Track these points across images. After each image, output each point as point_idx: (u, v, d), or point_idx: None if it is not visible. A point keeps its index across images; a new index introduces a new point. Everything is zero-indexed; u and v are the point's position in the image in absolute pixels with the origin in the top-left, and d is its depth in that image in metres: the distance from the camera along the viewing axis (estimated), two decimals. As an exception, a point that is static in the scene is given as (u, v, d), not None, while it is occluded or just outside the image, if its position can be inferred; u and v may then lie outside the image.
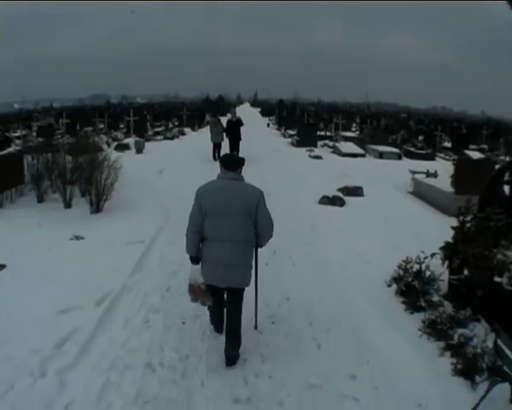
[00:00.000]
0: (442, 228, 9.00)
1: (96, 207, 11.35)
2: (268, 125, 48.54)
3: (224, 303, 5.40)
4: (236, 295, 5.16)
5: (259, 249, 5.56)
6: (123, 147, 23.54)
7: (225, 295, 5.35)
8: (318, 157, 21.56)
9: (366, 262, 8.06)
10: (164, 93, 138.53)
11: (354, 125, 44.84)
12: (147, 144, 24.51)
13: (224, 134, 19.76)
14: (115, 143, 24.88)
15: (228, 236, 4.94)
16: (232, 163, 5.23)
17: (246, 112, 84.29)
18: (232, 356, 5.18)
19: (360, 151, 24.69)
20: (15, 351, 5.15)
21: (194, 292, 5.21)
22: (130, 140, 24.16)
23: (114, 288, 6.88)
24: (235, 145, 18.89)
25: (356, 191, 13.27)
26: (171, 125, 38.46)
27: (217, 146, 19.83)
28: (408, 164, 21.50)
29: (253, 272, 5.46)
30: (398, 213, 11.27)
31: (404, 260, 7.01)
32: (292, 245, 9.04)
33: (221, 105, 71.90)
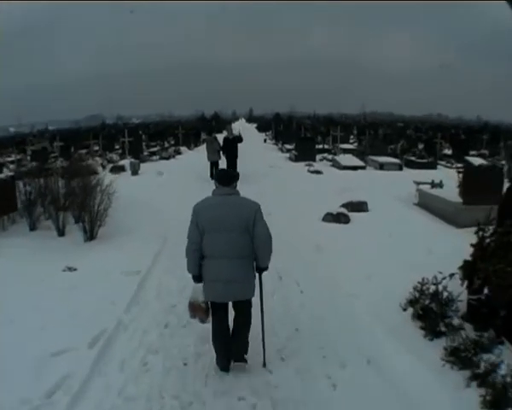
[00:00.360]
0: (453, 241, 8.79)
1: (90, 235, 10.86)
2: (265, 140, 48.21)
3: (227, 320, 5.31)
4: (242, 307, 5.17)
5: (264, 274, 5.39)
6: (118, 169, 23.07)
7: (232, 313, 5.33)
8: (318, 172, 21.10)
9: (378, 285, 7.52)
10: (159, 112, 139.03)
11: (352, 136, 44.47)
12: (142, 165, 24.01)
13: (221, 152, 19.30)
14: (110, 166, 24.44)
15: (224, 252, 4.92)
16: (226, 178, 5.20)
17: (242, 128, 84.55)
18: (239, 353, 5.30)
19: (360, 163, 24.24)
20: (4, 400, 4.75)
21: (194, 310, 5.23)
22: (126, 162, 23.70)
23: (109, 325, 6.40)
24: (232, 163, 18.38)
25: (360, 206, 12.79)
26: (166, 145, 38.06)
27: (214, 164, 19.34)
28: (410, 174, 21.05)
29: (258, 300, 5.36)
30: (406, 228, 10.77)
31: (419, 282, 6.53)
32: (298, 269, 8.60)
33: (216, 122, 71.63)
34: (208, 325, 5.36)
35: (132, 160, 23.86)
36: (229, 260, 4.92)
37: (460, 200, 11.89)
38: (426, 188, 14.41)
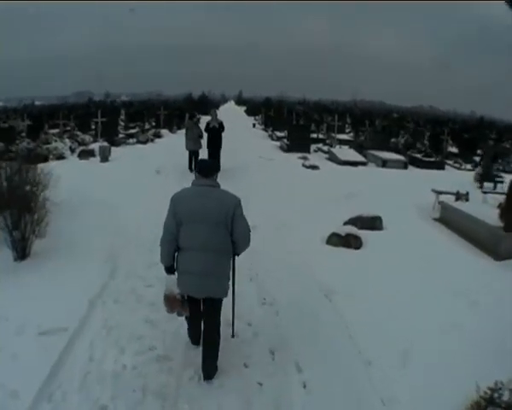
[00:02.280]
0: (500, 284, 7.14)
1: (22, 252, 8.04)
2: (254, 125, 45.38)
3: (201, 314, 5.17)
4: (213, 305, 5.01)
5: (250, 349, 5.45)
6: (87, 153, 20.32)
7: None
8: (314, 167, 18.37)
9: (419, 376, 4.92)
10: (149, 91, 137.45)
11: (346, 126, 41.74)
12: (116, 150, 21.33)
13: (202, 140, 16.68)
14: (80, 149, 21.64)
15: (202, 245, 4.78)
16: (207, 169, 5.04)
17: (231, 111, 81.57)
18: (210, 368, 5.04)
19: (360, 159, 21.69)
20: None
21: (170, 303, 5.01)
22: (97, 145, 20.77)
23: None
24: (214, 154, 15.69)
25: (373, 223, 10.13)
26: (147, 126, 35.22)
27: (193, 154, 16.58)
28: (417, 175, 18.74)
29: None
30: (434, 259, 8.09)
31: (489, 388, 4.19)
32: (300, 340, 5.82)
33: (204, 104, 68.54)
34: None
35: (102, 143, 21.00)
36: (206, 254, 4.78)
37: (499, 223, 9.28)
38: (450, 201, 11.77)
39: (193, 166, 16.24)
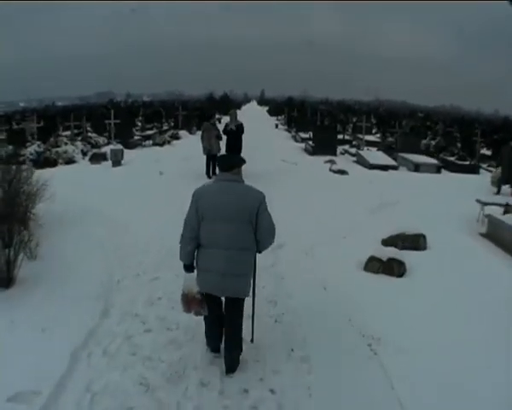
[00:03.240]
0: None
1: (7, 279, 6.75)
2: (276, 125, 43.93)
3: (221, 314, 4.97)
4: (235, 305, 4.84)
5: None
6: (99, 157, 19.16)
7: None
8: (343, 172, 16.86)
9: None
10: (170, 91, 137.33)
11: (372, 127, 40.01)
12: (130, 153, 20.11)
13: (220, 142, 15.35)
14: (92, 152, 20.43)
15: (225, 242, 4.59)
16: (229, 163, 4.85)
17: (253, 111, 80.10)
18: (232, 360, 4.87)
19: (391, 162, 20.11)
20: None
21: (188, 302, 4.83)
22: (110, 148, 19.51)
23: None
24: (234, 157, 14.15)
25: (416, 242, 8.61)
26: (166, 127, 33.99)
27: (211, 159, 15.12)
28: (453, 180, 17.28)
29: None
30: (498, 294, 6.60)
31: None
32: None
33: (225, 104, 67.23)
34: None
35: (115, 146, 19.74)
36: (227, 252, 4.58)
37: None
38: (498, 215, 10.18)
39: (211, 172, 14.95)
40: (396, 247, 8.25)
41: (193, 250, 4.76)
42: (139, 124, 33.89)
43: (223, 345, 4.98)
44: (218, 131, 15.46)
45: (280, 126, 43.80)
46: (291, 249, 8.47)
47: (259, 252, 4.94)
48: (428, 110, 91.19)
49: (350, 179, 15.83)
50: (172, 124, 34.64)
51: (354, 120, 47.94)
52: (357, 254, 7.96)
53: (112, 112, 23.51)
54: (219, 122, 35.54)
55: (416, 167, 19.78)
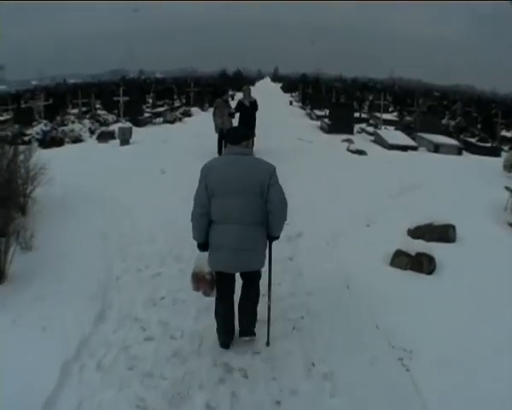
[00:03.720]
0: None
1: (-2, 271, 6.11)
2: (291, 102, 42.89)
3: (232, 293, 4.89)
4: (251, 277, 4.83)
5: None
6: (107, 136, 18.47)
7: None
8: (361, 152, 16.01)
9: None
10: (183, 68, 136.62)
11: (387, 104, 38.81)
12: (140, 131, 19.47)
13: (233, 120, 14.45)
14: (100, 131, 19.74)
15: (235, 217, 4.49)
16: (238, 135, 4.75)
17: (267, 87, 78.94)
18: (247, 323, 4.92)
19: (410, 143, 19.20)
20: None
21: (198, 281, 4.77)
22: (118, 126, 18.81)
23: None
24: (248, 135, 13.33)
25: (445, 233, 7.79)
26: (178, 104, 33.20)
27: (224, 137, 14.36)
28: (474, 162, 16.21)
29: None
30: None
31: None
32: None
33: (238, 80, 66.18)
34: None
35: (123, 124, 19.04)
36: (239, 226, 4.48)
37: None
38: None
39: (223, 151, 14.23)
40: (423, 239, 7.56)
41: (205, 227, 4.63)
42: (150, 101, 32.99)
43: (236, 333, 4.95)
44: (231, 108, 14.65)
45: (294, 103, 42.78)
46: (309, 239, 7.79)
47: (274, 236, 4.75)
48: (444, 89, 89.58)
49: (369, 160, 15.00)
50: (184, 101, 33.82)
51: (370, 97, 46.98)
52: (381, 245, 7.22)
53: (121, 89, 22.68)
54: (232, 99, 34.71)
55: (436, 148, 18.88)
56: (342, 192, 10.40)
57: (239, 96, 19.86)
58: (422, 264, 6.72)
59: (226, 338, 4.87)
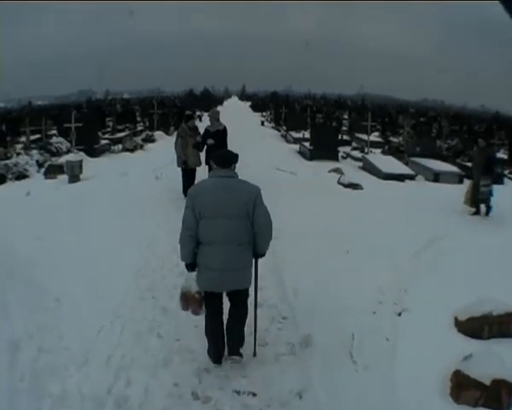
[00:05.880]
0: None
1: None
2: (262, 123, 40.38)
3: (221, 311, 4.94)
4: (239, 297, 4.85)
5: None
6: (56, 170, 15.65)
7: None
8: (355, 186, 13.53)
9: None
10: (150, 88, 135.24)
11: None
12: (95, 162, 16.83)
13: (203, 148, 11.42)
14: (48, 164, 16.85)
15: (224, 238, 4.58)
16: (226, 159, 4.86)
17: (235, 107, 76.55)
18: (235, 346, 4.94)
19: (408, 171, 16.92)
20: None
21: (187, 301, 4.90)
22: (66, 159, 15.89)
23: None
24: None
25: (507, 325, 5.34)
26: (141, 127, 30.44)
27: (191, 174, 11.51)
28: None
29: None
30: None
31: None
32: None
33: (206, 99, 63.80)
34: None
35: (73, 155, 16.25)
36: (226, 247, 4.59)
37: None
38: None
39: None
40: (480, 336, 5.28)
41: (193, 249, 4.70)
42: (111, 125, 29.96)
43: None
44: (199, 134, 11.62)
45: (266, 124, 40.41)
46: (321, 348, 5.18)
47: (260, 254, 4.88)
48: (414, 105, 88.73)
49: (367, 197, 12.42)
50: (148, 124, 30.96)
51: (345, 116, 44.84)
52: (427, 354, 4.92)
53: (73, 113, 19.59)
54: (200, 120, 32.06)
55: (436, 177, 16.55)
56: (354, 257, 7.78)
57: (207, 117, 16.96)
58: (501, 398, 4.20)
59: (217, 357, 4.93)
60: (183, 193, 11.17)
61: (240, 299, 4.87)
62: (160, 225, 9.39)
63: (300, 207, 10.66)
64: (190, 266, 4.77)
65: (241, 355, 4.95)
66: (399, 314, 6.05)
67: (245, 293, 4.90)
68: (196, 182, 10.12)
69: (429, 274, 7.05)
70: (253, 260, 4.88)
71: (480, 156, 11.58)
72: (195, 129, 11.79)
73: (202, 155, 11.47)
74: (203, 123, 14.47)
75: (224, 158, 4.86)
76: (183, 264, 4.87)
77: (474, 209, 11.25)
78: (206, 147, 11.20)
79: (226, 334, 4.93)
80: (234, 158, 4.90)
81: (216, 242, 4.58)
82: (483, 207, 11.24)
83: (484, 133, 28.33)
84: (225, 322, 4.94)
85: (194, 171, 11.45)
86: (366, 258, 7.58)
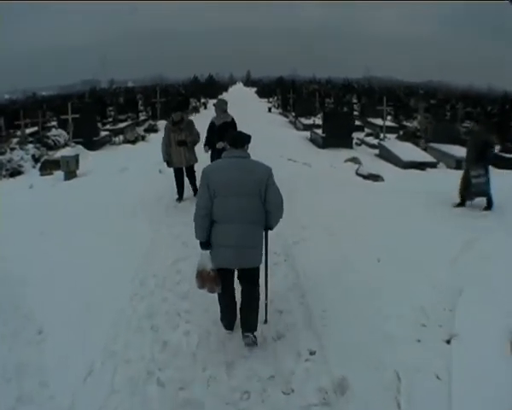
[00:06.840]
0: None
1: None
2: (269, 109, 39.05)
3: (233, 287, 5.12)
4: (250, 273, 4.93)
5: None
6: (52, 165, 14.59)
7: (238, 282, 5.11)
8: (376, 177, 12.40)
9: None
10: (156, 76, 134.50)
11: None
12: (94, 155, 15.88)
13: (203, 146, 9.98)
14: (43, 159, 15.80)
15: (236, 217, 4.69)
16: (238, 140, 4.93)
17: (240, 93, 75.20)
18: (250, 321, 4.98)
19: (429, 158, 15.71)
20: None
21: (203, 279, 4.91)
22: (61, 154, 14.82)
23: None
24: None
25: None
26: (144, 117, 29.32)
27: (189, 173, 10.22)
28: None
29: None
30: None
31: None
32: None
33: (211, 87, 62.46)
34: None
35: (70, 149, 15.23)
36: (240, 226, 4.68)
37: None
38: None
39: (181, 194, 10.26)
40: None
41: (207, 227, 4.77)
42: (112, 115, 28.73)
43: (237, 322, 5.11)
44: (194, 129, 10.08)
45: (273, 110, 39.10)
46: (360, 395, 4.15)
47: (271, 228, 4.99)
48: (420, 86, 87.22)
49: (389, 190, 11.24)
50: (150, 113, 29.72)
51: (354, 100, 43.52)
52: (487, 397, 3.99)
53: (69, 104, 18.38)
54: (205, 108, 30.79)
55: (458, 164, 15.28)
56: (387, 267, 6.65)
57: (212, 104, 15.72)
58: None
59: (228, 324, 5.16)
60: (177, 197, 10.24)
61: (253, 277, 4.94)
62: (161, 231, 8.32)
63: (321, 205, 9.52)
64: (205, 245, 4.84)
65: (254, 336, 4.98)
66: (448, 342, 4.98)
67: (257, 272, 4.97)
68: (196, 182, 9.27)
69: (473, 287, 5.97)
70: (264, 235, 4.95)
71: (473, 142, 10.11)
72: (180, 123, 9.96)
73: (199, 153, 10.20)
74: (208, 111, 13.33)
75: (237, 139, 4.95)
76: (186, 282, 5.21)
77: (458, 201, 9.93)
78: (210, 144, 9.84)
79: (241, 316, 5.06)
80: (247, 139, 5.01)
81: (229, 220, 4.68)
82: (482, 199, 9.83)
83: (484, 116, 27.04)
84: (238, 304, 5.09)
85: (192, 169, 10.14)
86: (400, 268, 6.47)
